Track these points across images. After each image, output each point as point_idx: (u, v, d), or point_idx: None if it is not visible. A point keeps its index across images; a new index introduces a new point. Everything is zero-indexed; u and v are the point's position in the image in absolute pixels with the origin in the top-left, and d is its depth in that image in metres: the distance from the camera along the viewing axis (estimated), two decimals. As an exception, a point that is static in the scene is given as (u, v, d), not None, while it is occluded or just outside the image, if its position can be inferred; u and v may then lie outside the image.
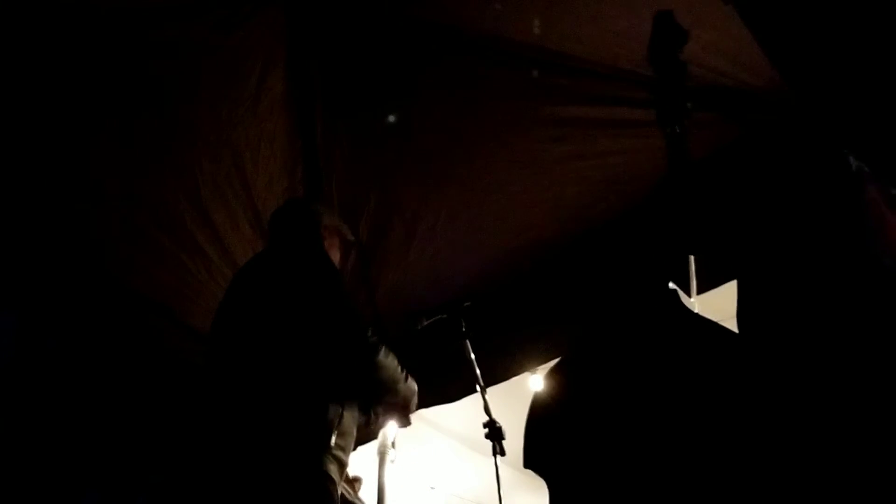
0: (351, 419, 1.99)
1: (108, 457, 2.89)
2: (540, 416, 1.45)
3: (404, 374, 2.12)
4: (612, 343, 1.39)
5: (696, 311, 1.41)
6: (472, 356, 2.42)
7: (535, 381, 3.68)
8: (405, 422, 2.37)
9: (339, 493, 1.94)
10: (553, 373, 1.47)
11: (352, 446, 2.03)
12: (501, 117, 2.64)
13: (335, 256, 2.35)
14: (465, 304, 2.51)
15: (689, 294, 1.47)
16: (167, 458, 2.90)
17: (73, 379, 2.89)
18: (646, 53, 1.36)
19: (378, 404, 2.20)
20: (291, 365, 1.91)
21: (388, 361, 2.04)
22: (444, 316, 2.52)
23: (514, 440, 2.26)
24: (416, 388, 2.21)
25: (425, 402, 3.11)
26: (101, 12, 2.26)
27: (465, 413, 3.00)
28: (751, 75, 2.16)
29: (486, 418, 2.32)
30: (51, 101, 2.39)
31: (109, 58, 2.35)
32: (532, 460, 1.41)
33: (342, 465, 1.93)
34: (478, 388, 2.39)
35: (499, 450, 2.28)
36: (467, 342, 2.44)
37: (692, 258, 1.33)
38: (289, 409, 1.85)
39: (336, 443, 1.88)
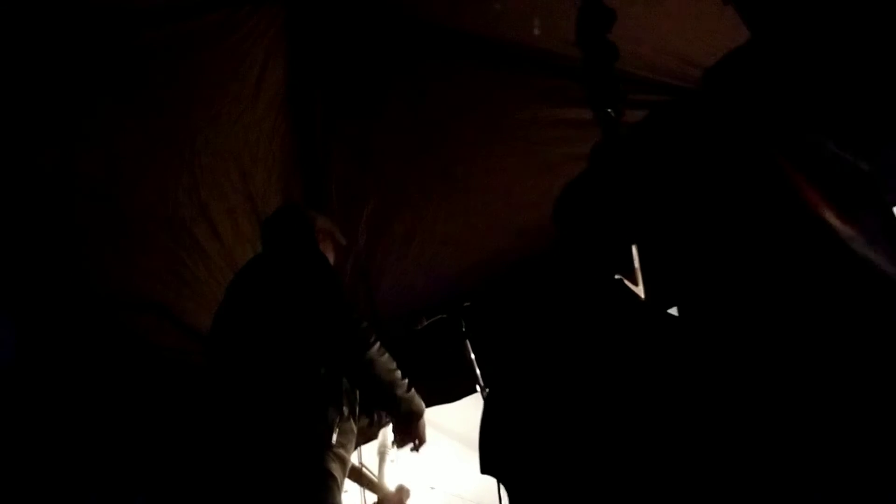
0: (351, 417, 2.00)
1: (108, 457, 2.89)
2: (494, 419, 1.44)
3: (406, 381, 2.06)
4: (560, 338, 1.38)
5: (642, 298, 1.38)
6: (472, 356, 2.42)
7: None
8: (407, 441, 2.21)
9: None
10: (502, 373, 1.46)
11: (353, 444, 2.03)
12: (502, 118, 2.64)
13: (329, 259, 2.35)
14: (465, 304, 2.51)
15: (636, 283, 1.45)
16: (167, 457, 2.90)
17: (74, 379, 2.88)
18: (574, 38, 1.34)
19: (379, 407, 2.19)
20: (292, 363, 1.91)
21: (383, 360, 1.99)
22: (444, 316, 2.53)
23: (515, 440, 2.26)
24: (422, 406, 2.15)
25: (425, 402, 3.11)
26: (101, 11, 2.26)
27: (465, 413, 3.00)
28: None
29: (487, 418, 2.32)
30: (50, 100, 2.39)
31: (109, 56, 2.35)
32: (488, 465, 1.40)
33: (344, 463, 1.93)
34: (478, 388, 2.40)
35: (499, 450, 2.28)
36: (467, 342, 2.45)
37: (634, 247, 1.32)
38: (290, 408, 1.85)
39: (338, 440, 1.88)
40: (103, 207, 2.71)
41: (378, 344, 1.98)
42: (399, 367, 2.06)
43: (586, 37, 1.31)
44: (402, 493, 2.60)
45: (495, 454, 1.37)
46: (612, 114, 1.27)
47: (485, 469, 1.38)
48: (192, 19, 2.36)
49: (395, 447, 2.24)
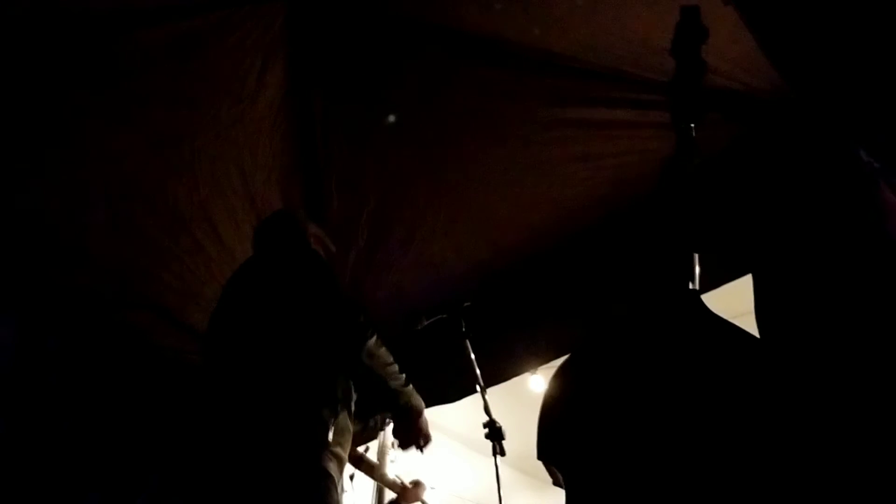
0: (347, 416, 2.00)
1: (109, 457, 2.89)
2: (556, 408, 1.44)
3: (403, 375, 2.09)
4: (630, 339, 1.39)
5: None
6: (472, 356, 2.42)
7: (535, 382, 3.69)
8: (410, 441, 2.24)
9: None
10: (568, 365, 1.45)
11: (349, 443, 2.04)
12: (503, 118, 2.63)
13: None
14: (465, 304, 2.51)
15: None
16: (167, 457, 2.90)
17: (74, 380, 2.89)
18: (664, 48, 1.38)
19: (378, 404, 2.19)
20: (288, 362, 1.91)
21: (381, 353, 2.02)
22: (444, 316, 2.52)
23: (514, 440, 2.26)
24: (422, 403, 2.18)
25: (425, 402, 3.11)
26: (101, 11, 2.26)
27: (465, 413, 3.00)
28: (753, 78, 2.16)
29: (486, 418, 2.33)
30: (50, 100, 2.39)
31: (109, 56, 2.35)
32: (545, 452, 1.40)
33: (341, 462, 1.94)
34: (478, 388, 2.39)
35: (499, 450, 2.28)
36: (467, 342, 2.44)
37: (696, 255, 1.35)
38: (287, 407, 1.85)
39: (334, 439, 1.88)
40: (103, 207, 2.71)
41: (376, 337, 2.00)
42: (397, 363, 2.07)
43: (680, 50, 1.37)
44: (419, 488, 2.61)
45: (555, 442, 1.38)
46: (692, 128, 1.33)
47: (542, 456, 1.38)
48: (192, 19, 2.36)
49: (399, 449, 2.25)
